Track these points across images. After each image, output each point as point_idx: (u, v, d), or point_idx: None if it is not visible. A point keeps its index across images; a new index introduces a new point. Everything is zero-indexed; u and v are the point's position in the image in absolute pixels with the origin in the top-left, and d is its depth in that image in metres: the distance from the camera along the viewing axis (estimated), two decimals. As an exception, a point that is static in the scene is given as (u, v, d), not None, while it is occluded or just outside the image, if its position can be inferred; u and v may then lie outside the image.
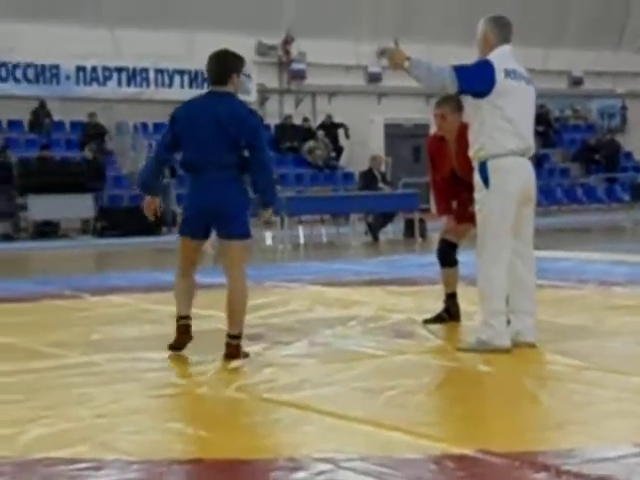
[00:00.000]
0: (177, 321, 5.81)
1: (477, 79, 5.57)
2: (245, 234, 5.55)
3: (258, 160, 5.48)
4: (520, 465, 3.42)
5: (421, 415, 4.27)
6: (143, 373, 5.29)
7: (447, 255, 6.78)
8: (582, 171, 25.08)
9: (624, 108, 27.37)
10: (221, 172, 5.45)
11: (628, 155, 26.26)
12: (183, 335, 5.76)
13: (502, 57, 5.69)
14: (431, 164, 6.84)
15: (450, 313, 6.77)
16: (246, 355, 5.59)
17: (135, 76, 21.54)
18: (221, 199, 5.45)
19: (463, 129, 6.35)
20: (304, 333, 6.42)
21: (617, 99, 27.41)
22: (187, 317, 5.80)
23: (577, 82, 26.72)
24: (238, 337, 5.56)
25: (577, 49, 25.84)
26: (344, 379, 5.02)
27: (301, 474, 3.41)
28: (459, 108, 6.46)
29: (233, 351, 5.53)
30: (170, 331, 6.62)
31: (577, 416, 4.18)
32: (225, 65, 5.54)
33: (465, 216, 6.61)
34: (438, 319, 6.74)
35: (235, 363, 5.47)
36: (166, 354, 5.78)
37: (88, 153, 19.57)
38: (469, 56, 23.49)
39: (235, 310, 5.55)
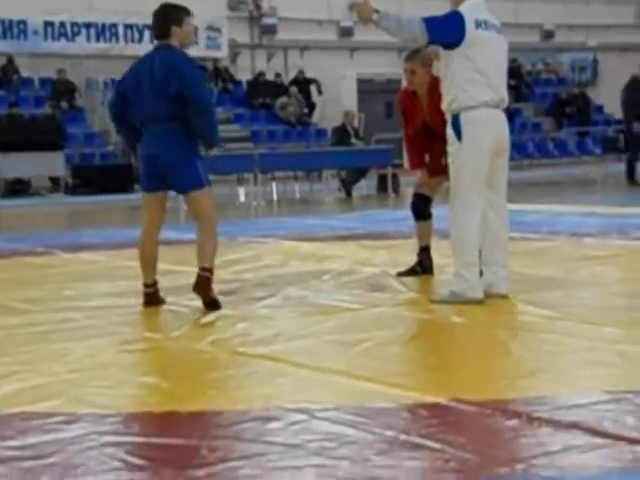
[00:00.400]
0: (143, 288, 5.85)
1: (447, 30, 5.55)
2: (198, 184, 5.59)
3: (191, 105, 5.44)
4: (492, 412, 3.46)
5: (395, 366, 4.30)
6: (117, 328, 5.29)
7: (421, 208, 6.80)
8: (554, 125, 25.14)
9: (595, 61, 27.40)
10: (162, 125, 5.52)
11: (599, 109, 26.34)
12: (151, 304, 5.80)
13: (473, 8, 5.66)
14: (403, 118, 6.84)
15: (423, 266, 6.81)
16: (216, 304, 5.60)
17: (104, 31, 21.27)
18: (163, 152, 5.53)
19: (434, 82, 6.35)
20: (278, 287, 6.43)
21: (589, 52, 27.42)
22: (152, 285, 5.85)
23: (548, 35, 26.68)
24: (208, 270, 5.57)
25: (548, 1, 25.78)
26: (318, 332, 5.04)
27: (275, 424, 3.44)
28: (429, 62, 6.45)
29: (202, 283, 5.55)
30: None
31: (548, 365, 4.23)
32: (164, 18, 5.62)
33: (437, 169, 6.63)
34: (411, 272, 6.77)
35: (208, 317, 5.48)
36: (140, 309, 5.78)
37: (48, 110, 19.35)
38: (441, 9, 23.32)
39: (204, 244, 5.61)
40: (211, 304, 5.63)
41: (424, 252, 6.84)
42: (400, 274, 6.74)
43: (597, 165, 18.28)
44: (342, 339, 4.86)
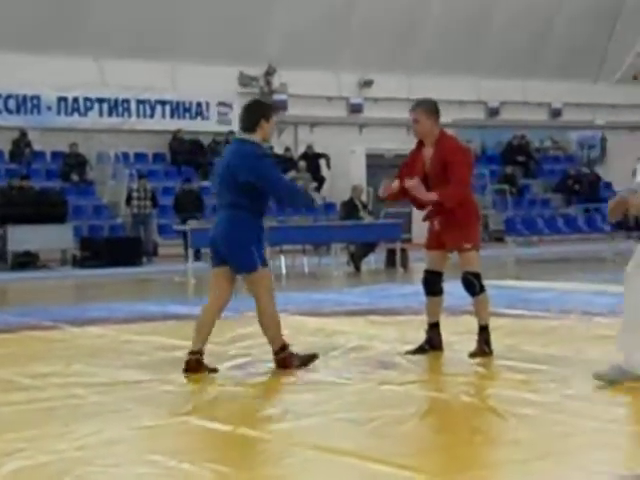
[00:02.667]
0: (188, 355, 6.14)
1: None
2: (248, 268, 6.01)
3: (269, 191, 6.02)
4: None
5: (405, 446, 4.24)
6: (123, 404, 5.23)
7: (430, 284, 6.75)
8: (563, 202, 25.21)
9: (604, 139, 27.58)
10: (226, 211, 6.06)
11: (608, 185, 26.42)
12: (190, 371, 6.03)
13: None
14: (402, 164, 6.78)
15: (432, 344, 6.74)
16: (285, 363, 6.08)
17: (117, 106, 21.55)
18: (222, 237, 6.05)
19: (443, 136, 6.43)
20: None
21: (596, 130, 27.64)
22: (197, 352, 6.11)
23: (556, 113, 26.92)
24: (281, 350, 6.13)
25: (556, 80, 26.07)
26: (327, 410, 4.98)
27: (284, 507, 3.37)
28: (433, 111, 6.46)
29: (281, 363, 6.11)
30: (152, 362, 6.58)
31: (559, 447, 4.15)
32: (255, 112, 6.12)
33: (433, 243, 6.64)
34: (420, 350, 6.70)
35: (215, 393, 5.43)
36: (145, 388, 5.72)
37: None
38: (449, 88, 23.80)
39: (265, 332, 6.17)
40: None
41: (433, 329, 6.78)
42: (408, 353, 6.68)
43: (606, 243, 18.28)
44: (351, 417, 4.80)
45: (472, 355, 6.44)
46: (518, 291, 7.02)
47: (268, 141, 6.28)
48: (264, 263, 6.10)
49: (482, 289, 6.48)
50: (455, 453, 4.12)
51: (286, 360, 6.11)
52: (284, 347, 6.16)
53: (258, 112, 6.12)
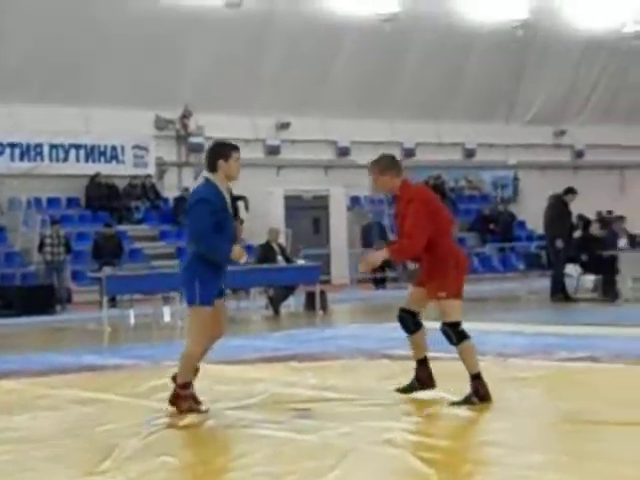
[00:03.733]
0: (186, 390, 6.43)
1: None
2: (189, 301, 6.38)
3: (189, 236, 6.56)
4: None
5: (323, 501, 4.17)
6: (35, 464, 5.06)
7: (405, 322, 6.60)
8: (478, 241, 25.60)
9: (516, 179, 28.16)
10: (189, 247, 6.60)
11: (521, 224, 26.94)
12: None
13: None
14: None
15: (421, 381, 6.63)
16: (195, 410, 6.30)
17: (29, 151, 21.18)
18: (180, 271, 6.53)
19: (405, 188, 6.50)
20: (202, 416, 6.26)
21: (509, 170, 28.21)
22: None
23: (470, 154, 27.41)
24: (179, 385, 6.40)
25: (469, 121, 26.57)
26: (245, 464, 4.89)
27: None
28: (386, 168, 6.52)
29: (173, 398, 6.41)
30: (65, 418, 6.39)
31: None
32: (213, 153, 6.49)
33: (417, 280, 6.63)
34: (409, 389, 6.63)
35: (128, 451, 5.29)
36: (59, 445, 5.55)
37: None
38: (369, 130, 24.03)
39: (179, 359, 6.50)
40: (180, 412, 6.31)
41: (421, 365, 6.65)
42: (399, 390, 6.62)
43: (520, 281, 18.58)
44: (269, 471, 4.72)
45: (454, 404, 6.28)
46: (434, 332, 7.06)
47: (234, 178, 6.51)
48: (206, 302, 6.31)
49: (461, 338, 6.34)
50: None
51: (179, 397, 6.38)
52: (186, 385, 6.39)
53: (216, 153, 6.46)
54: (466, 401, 6.27)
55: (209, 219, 6.29)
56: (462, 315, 6.43)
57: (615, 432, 5.41)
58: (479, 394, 6.28)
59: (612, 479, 4.40)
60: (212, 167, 6.45)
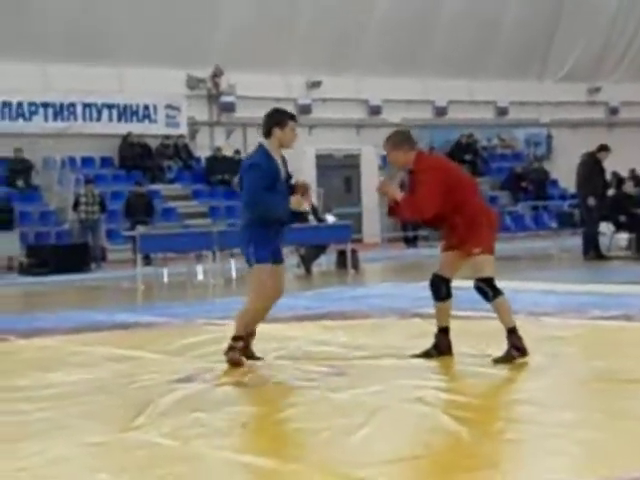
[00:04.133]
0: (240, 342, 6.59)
1: None
2: (247, 261, 6.58)
3: (244, 200, 6.58)
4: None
5: (354, 456, 4.20)
6: (69, 420, 5.14)
7: (436, 288, 6.59)
8: (510, 199, 25.43)
9: (549, 137, 27.88)
10: (244, 212, 6.67)
11: (554, 183, 26.71)
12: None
13: None
14: None
15: (439, 349, 6.63)
16: (237, 362, 6.47)
17: (62, 111, 21.26)
18: (239, 234, 6.71)
19: (419, 161, 6.48)
20: (236, 374, 6.32)
21: (542, 128, 27.92)
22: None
23: (503, 112, 27.14)
24: (232, 337, 6.58)
25: (501, 79, 26.28)
26: (279, 420, 4.95)
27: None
28: (399, 143, 6.51)
29: (228, 348, 6.58)
30: (99, 375, 6.48)
31: (509, 455, 4.16)
32: (265, 120, 6.60)
33: (446, 246, 6.61)
34: (425, 355, 6.62)
35: (164, 406, 5.36)
36: (93, 401, 5.63)
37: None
38: (400, 88, 23.76)
39: (237, 315, 6.72)
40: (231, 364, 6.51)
41: (441, 334, 6.64)
42: (415, 356, 6.62)
43: (553, 240, 18.46)
44: (302, 427, 4.77)
45: (496, 361, 6.27)
46: (465, 292, 7.05)
47: (288, 147, 6.63)
48: (265, 260, 6.47)
49: (496, 294, 6.34)
50: (402, 465, 4.09)
51: (229, 348, 6.55)
52: (237, 338, 6.56)
53: (272, 120, 6.56)
54: (507, 356, 6.28)
55: (261, 183, 6.43)
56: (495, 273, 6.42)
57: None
58: (517, 347, 6.30)
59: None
60: (267, 133, 6.57)
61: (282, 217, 6.55)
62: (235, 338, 6.59)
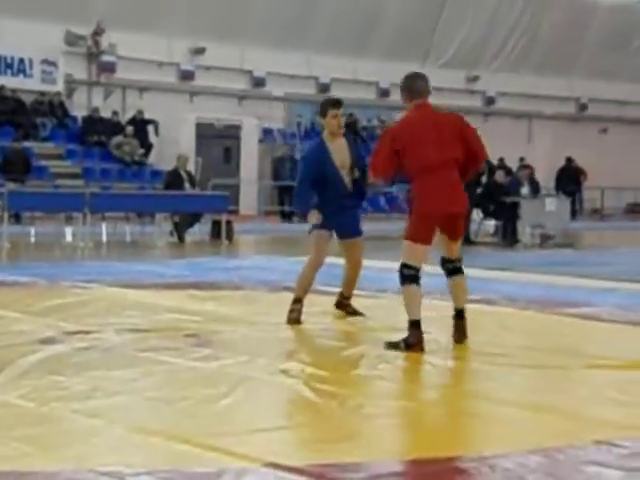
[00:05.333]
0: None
1: None
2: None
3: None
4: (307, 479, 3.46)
5: (214, 426, 4.23)
6: None
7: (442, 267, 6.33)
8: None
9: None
10: None
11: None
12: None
13: None
14: None
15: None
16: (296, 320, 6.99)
17: None
18: None
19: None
20: (98, 339, 6.25)
21: (422, 112, 28.41)
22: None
23: (384, 93, 27.49)
24: (293, 301, 7.07)
25: (385, 61, 26.60)
26: (138, 388, 4.92)
27: (85, 490, 3.31)
28: (401, 91, 6.16)
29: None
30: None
31: (365, 428, 4.27)
32: (318, 112, 7.10)
33: None
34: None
35: (23, 367, 5.25)
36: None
37: None
38: (285, 62, 23.69)
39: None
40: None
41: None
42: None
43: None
44: (162, 396, 4.76)
45: (388, 345, 5.95)
46: (338, 268, 7.16)
47: (335, 134, 6.90)
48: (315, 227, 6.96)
49: (403, 281, 5.99)
50: (264, 435, 4.14)
51: (289, 311, 6.96)
52: (296, 300, 7.00)
53: (319, 111, 7.01)
54: (396, 343, 5.95)
55: (304, 175, 6.98)
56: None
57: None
58: (408, 343, 5.93)
59: (490, 418, 4.56)
60: (321, 126, 7.18)
61: (297, 211, 7.36)
62: (294, 300, 7.01)
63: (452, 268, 6.26)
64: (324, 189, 6.96)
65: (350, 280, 7.32)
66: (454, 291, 6.32)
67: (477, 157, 6.20)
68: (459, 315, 6.30)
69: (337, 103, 6.92)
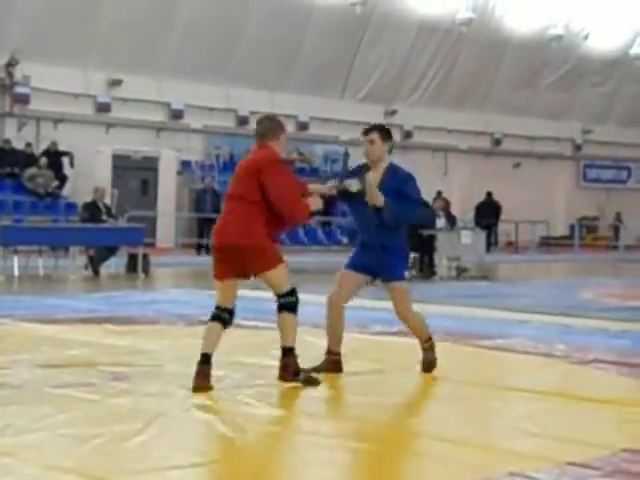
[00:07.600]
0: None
1: None
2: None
3: None
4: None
5: (127, 463, 4.16)
6: None
7: None
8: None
9: (346, 154, 28.52)
10: None
11: (348, 200, 27.43)
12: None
13: None
14: None
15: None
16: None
17: None
18: None
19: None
20: (10, 376, 6.09)
21: (341, 145, 28.65)
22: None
23: (303, 126, 27.65)
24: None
25: (304, 95, 26.79)
26: (51, 425, 4.81)
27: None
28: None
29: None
30: None
31: (283, 462, 4.24)
32: None
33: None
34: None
35: None
36: None
37: None
38: (203, 94, 23.68)
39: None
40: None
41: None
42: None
43: (345, 254, 18.89)
44: (75, 433, 4.66)
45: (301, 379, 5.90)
46: (254, 302, 7.13)
47: (368, 160, 6.54)
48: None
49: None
50: (177, 473, 4.08)
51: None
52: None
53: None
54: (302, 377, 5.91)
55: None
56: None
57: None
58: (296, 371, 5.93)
59: (409, 451, 4.58)
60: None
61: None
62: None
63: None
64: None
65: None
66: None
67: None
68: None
69: (366, 130, 6.52)
